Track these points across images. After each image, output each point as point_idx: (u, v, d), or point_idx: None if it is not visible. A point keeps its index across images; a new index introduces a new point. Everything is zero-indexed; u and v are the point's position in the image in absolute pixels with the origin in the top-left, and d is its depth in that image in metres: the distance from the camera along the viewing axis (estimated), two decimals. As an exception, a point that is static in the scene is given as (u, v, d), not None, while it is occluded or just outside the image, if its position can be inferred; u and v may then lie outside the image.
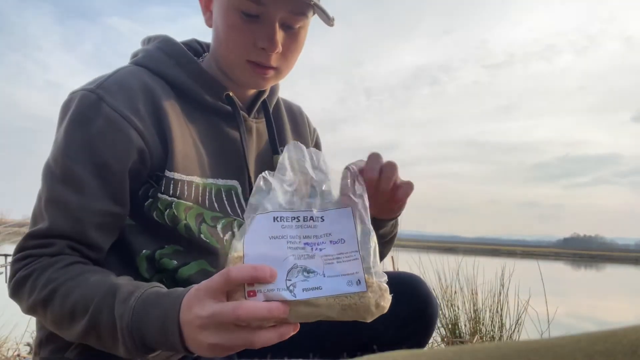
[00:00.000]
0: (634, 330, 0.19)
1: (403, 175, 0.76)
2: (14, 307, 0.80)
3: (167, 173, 0.82)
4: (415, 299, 0.93)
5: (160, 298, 0.65)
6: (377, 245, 0.65)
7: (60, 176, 0.78)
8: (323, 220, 0.65)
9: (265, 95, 0.99)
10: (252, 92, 0.97)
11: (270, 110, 1.00)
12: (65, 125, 0.80)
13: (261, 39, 0.83)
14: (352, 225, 0.64)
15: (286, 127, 1.06)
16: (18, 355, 2.29)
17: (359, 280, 0.60)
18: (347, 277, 0.60)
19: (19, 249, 0.79)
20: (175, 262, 0.84)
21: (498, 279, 3.25)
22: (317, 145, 1.15)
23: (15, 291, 0.77)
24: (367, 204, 0.67)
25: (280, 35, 0.84)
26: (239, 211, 0.91)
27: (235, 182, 0.92)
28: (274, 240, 0.63)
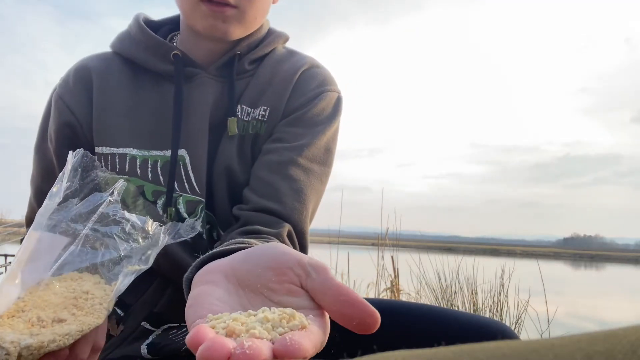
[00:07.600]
0: (634, 330, 0.18)
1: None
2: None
3: (97, 149, 0.82)
4: None
5: None
6: None
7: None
8: None
9: (239, 50, 0.85)
10: (223, 47, 0.86)
11: (256, 64, 0.87)
12: None
13: None
14: None
15: (263, 86, 0.87)
16: (18, 355, 2.28)
17: None
18: None
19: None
20: None
21: (498, 278, 3.26)
22: (311, 118, 0.85)
23: None
24: None
25: None
26: (186, 185, 0.82)
27: (183, 152, 0.82)
28: None
